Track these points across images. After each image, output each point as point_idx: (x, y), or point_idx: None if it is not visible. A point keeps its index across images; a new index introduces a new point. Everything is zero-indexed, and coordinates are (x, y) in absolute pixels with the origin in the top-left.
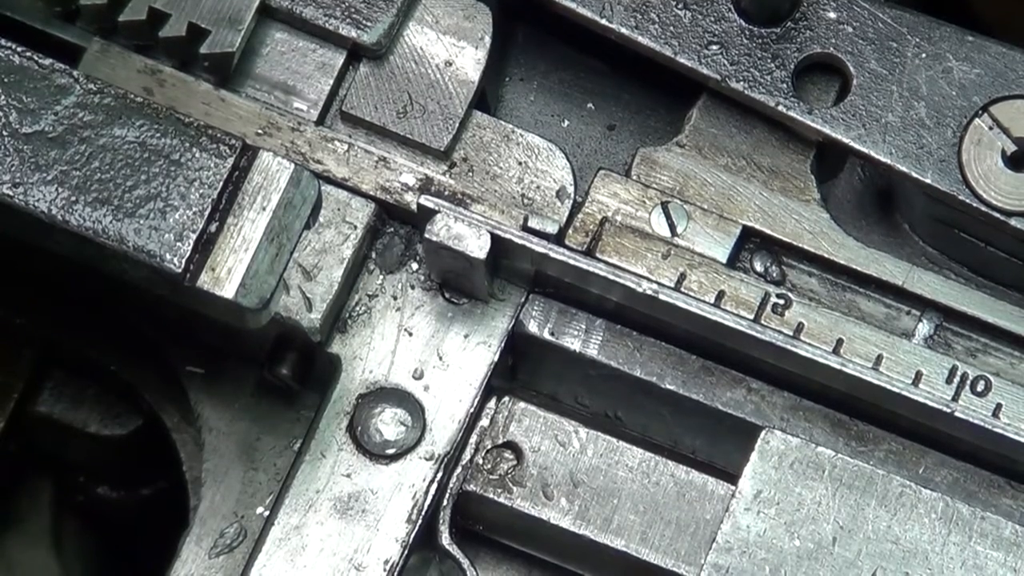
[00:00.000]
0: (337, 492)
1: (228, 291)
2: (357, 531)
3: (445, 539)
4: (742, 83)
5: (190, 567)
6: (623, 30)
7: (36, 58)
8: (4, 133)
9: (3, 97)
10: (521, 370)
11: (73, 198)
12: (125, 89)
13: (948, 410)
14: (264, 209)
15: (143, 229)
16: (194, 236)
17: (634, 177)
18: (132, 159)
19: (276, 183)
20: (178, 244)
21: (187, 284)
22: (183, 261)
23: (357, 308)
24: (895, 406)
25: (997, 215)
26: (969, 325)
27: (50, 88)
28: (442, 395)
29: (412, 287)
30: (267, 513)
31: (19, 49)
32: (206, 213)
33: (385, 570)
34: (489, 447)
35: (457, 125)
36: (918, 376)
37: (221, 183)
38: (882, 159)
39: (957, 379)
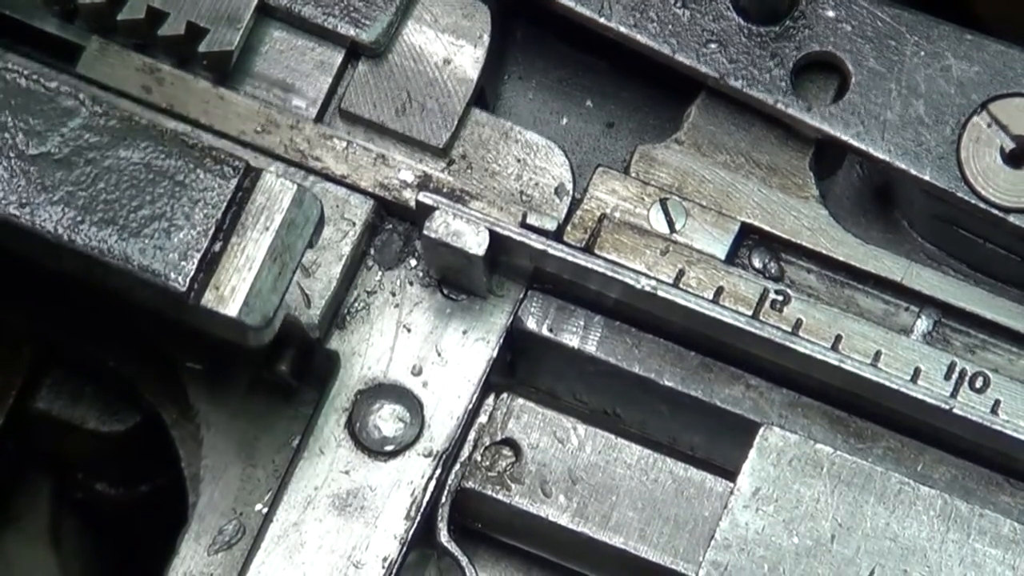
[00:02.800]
0: (335, 489)
1: (232, 310)
2: (356, 528)
3: (444, 536)
4: (741, 81)
5: (189, 564)
6: (622, 28)
7: (43, 80)
8: (11, 155)
9: (10, 119)
10: (520, 367)
11: (79, 218)
12: (130, 111)
13: (947, 407)
14: (267, 229)
15: (148, 249)
16: (198, 256)
17: (633, 174)
18: (137, 180)
19: (279, 203)
20: (182, 263)
21: (191, 303)
22: (187, 280)
23: (356, 304)
24: (894, 403)
25: (995, 212)
26: (968, 321)
27: (56, 110)
28: (441, 391)
29: (411, 283)
30: (266, 510)
31: (26, 72)
32: (210, 233)
33: (383, 567)
34: (488, 444)
35: (456, 122)
36: (917, 372)
37: (225, 203)
38: (881, 156)
39: (956, 375)
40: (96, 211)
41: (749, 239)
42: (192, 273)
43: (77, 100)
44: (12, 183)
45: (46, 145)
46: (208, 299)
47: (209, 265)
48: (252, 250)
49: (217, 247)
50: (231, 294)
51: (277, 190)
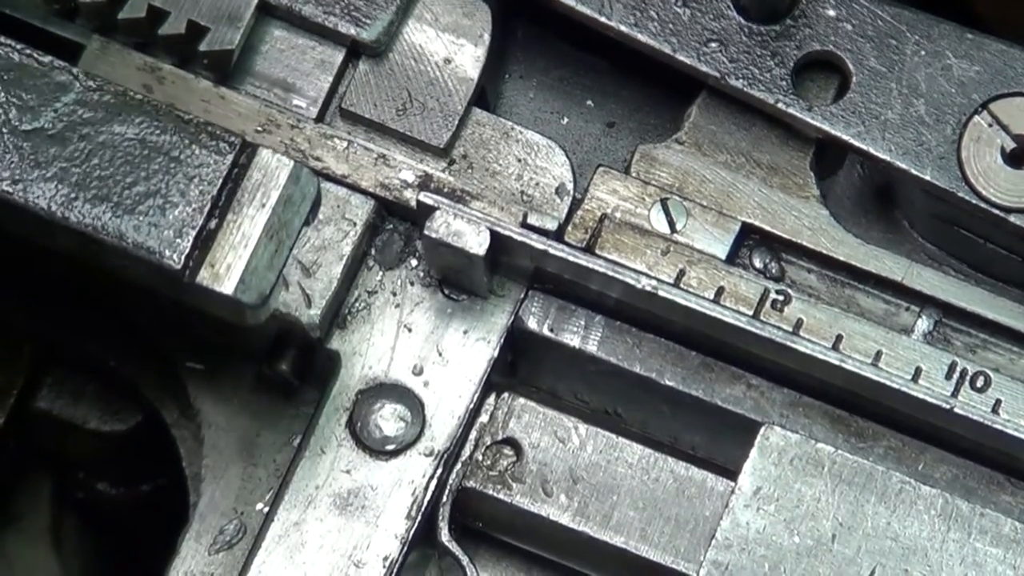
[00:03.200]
0: (337, 488)
1: (227, 287)
2: (357, 527)
3: (444, 535)
4: (741, 80)
5: (190, 563)
6: (622, 27)
7: (36, 55)
8: (4, 130)
9: (3, 94)
10: (521, 366)
11: (73, 195)
12: (124, 86)
13: (947, 406)
14: (263, 206)
15: (143, 226)
16: (193, 233)
17: (633, 174)
18: (132, 156)
19: (275, 180)
20: (178, 241)
21: (187, 280)
22: (182, 257)
23: (356, 304)
24: (894, 402)
25: (996, 212)
26: (968, 321)
27: (50, 85)
28: (442, 391)
29: (411, 283)
30: (267, 509)
31: (19, 46)
32: (205, 210)
33: (384, 567)
34: (489, 443)
35: (456, 122)
36: (917, 372)
37: (220, 180)
38: (881, 156)
39: (956, 375)
40: (90, 188)
41: (750, 239)
42: (187, 250)
43: (71, 75)
44: (5, 159)
45: (39, 120)
46: (203, 277)
47: (204, 242)
48: (248, 227)
49: (212, 224)
50: (227, 271)
51: (274, 166)
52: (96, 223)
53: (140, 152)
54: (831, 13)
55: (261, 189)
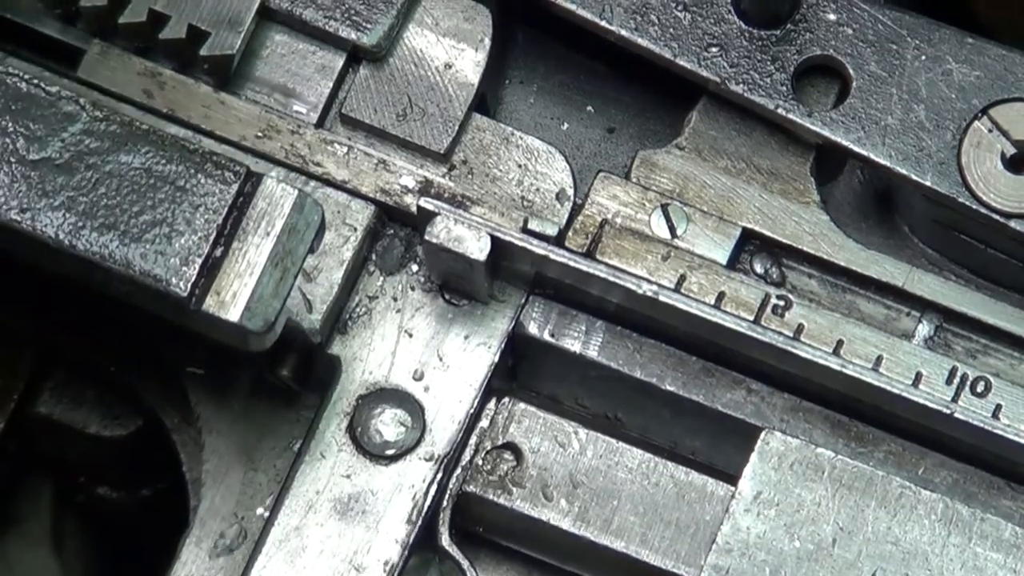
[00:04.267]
0: (337, 493)
1: (233, 315)
2: (357, 532)
3: (445, 540)
4: (742, 85)
5: (190, 568)
6: (623, 32)
7: (43, 85)
8: (12, 160)
9: (11, 124)
10: (521, 371)
11: (80, 223)
12: (131, 117)
13: (948, 411)
14: (268, 234)
15: (149, 254)
16: (199, 261)
17: (634, 179)
18: (138, 185)
19: (280, 209)
20: (184, 268)
21: (193, 308)
22: (189, 285)
23: (357, 309)
24: (895, 407)
25: (996, 217)
26: (969, 326)
27: (57, 115)
28: (442, 396)
29: (412, 289)
30: (267, 514)
31: (27, 76)
32: (211, 238)
33: (385, 571)
34: (489, 448)
35: (457, 127)
36: (918, 377)
37: (226, 209)
38: (882, 161)
39: (957, 380)
40: (97, 216)
41: (750, 244)
42: (193, 278)
43: (78, 105)
44: (13, 188)
45: (47, 150)
46: (209, 304)
47: (210, 270)
48: (253, 255)
49: (218, 252)
50: (232, 299)
51: (278, 195)
52: (103, 251)
53: (146, 181)
54: (831, 18)
55: (266, 218)
